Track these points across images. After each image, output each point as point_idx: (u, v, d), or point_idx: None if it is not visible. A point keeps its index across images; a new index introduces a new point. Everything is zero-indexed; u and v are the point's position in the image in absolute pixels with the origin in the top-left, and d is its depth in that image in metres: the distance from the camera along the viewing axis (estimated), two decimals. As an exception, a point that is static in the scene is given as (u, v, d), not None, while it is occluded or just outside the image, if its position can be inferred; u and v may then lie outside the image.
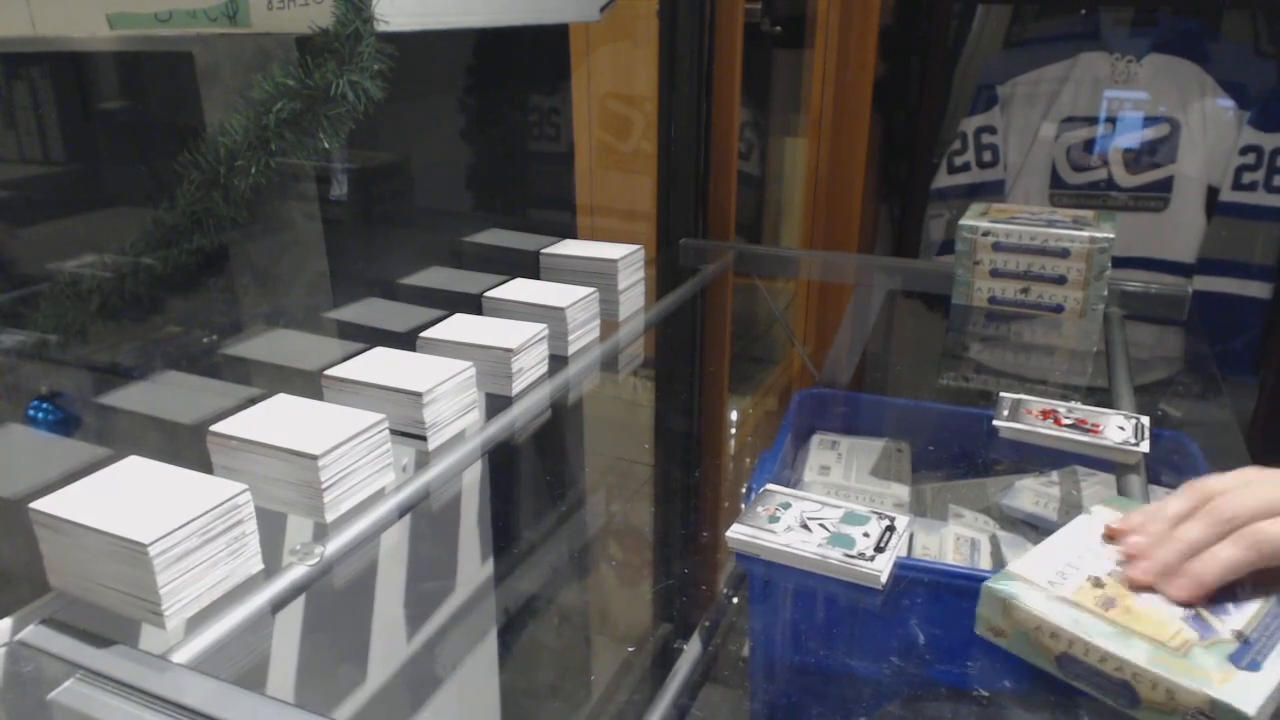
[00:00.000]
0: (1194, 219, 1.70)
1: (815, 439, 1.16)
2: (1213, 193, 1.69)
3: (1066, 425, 0.82)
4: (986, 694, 0.64)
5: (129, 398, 0.72)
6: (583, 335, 0.95)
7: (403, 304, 0.93)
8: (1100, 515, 0.62)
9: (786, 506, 0.72)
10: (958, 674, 0.69)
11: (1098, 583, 0.55)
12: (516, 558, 1.12)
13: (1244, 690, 0.46)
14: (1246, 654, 0.49)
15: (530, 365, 0.85)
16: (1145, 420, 0.83)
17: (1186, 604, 0.52)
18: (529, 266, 1.06)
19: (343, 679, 0.86)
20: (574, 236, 1.13)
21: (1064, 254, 1.06)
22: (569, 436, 1.20)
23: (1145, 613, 0.52)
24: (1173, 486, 0.97)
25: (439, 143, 1.00)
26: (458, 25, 0.83)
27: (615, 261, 1.02)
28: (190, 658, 0.53)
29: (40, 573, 0.56)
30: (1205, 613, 0.52)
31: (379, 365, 0.76)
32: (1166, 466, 0.99)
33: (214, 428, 0.65)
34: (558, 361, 0.91)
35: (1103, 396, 0.92)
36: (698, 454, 1.34)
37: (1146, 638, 0.50)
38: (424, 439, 0.73)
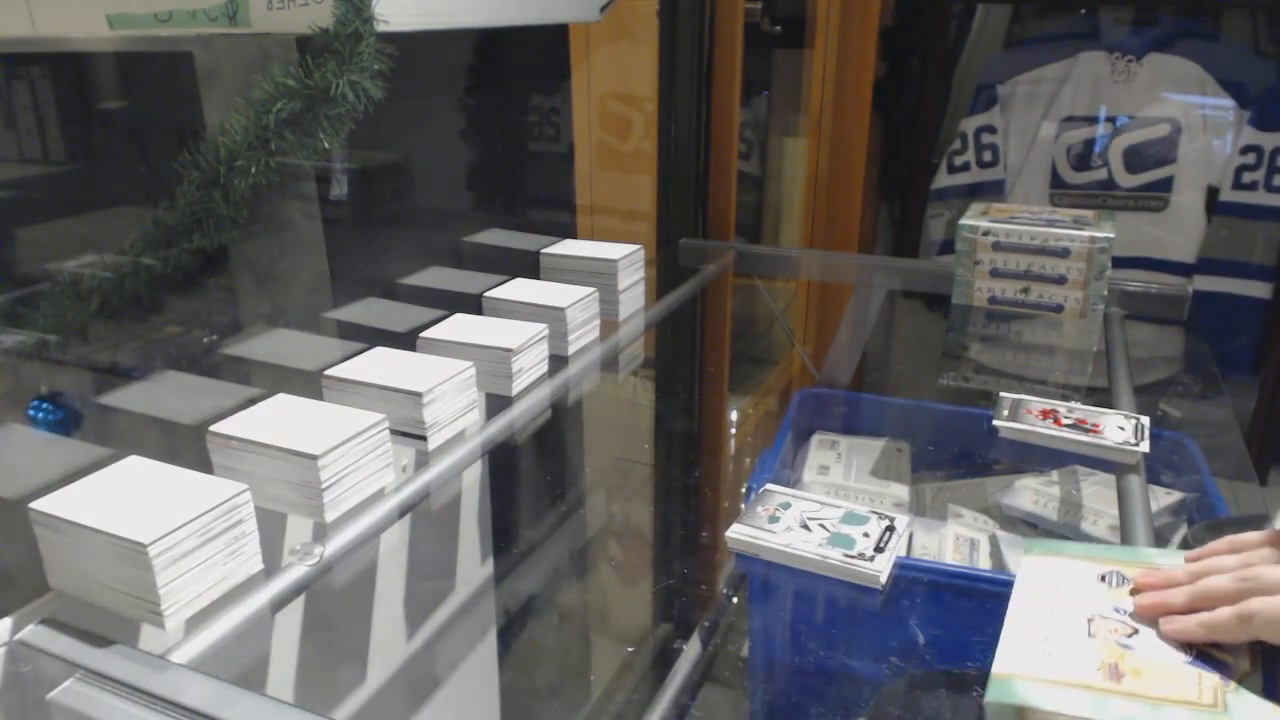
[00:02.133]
0: (1194, 219, 1.70)
1: (815, 439, 1.16)
2: (1213, 193, 1.69)
3: (1066, 425, 0.82)
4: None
5: (129, 398, 0.72)
6: (583, 335, 0.95)
7: (403, 304, 0.93)
8: (1033, 567, 0.59)
9: (786, 506, 0.72)
10: (956, 673, 0.69)
11: (1093, 652, 0.51)
12: (516, 557, 1.12)
13: None
14: (1276, 679, 0.47)
15: (530, 365, 0.85)
16: (1145, 420, 0.82)
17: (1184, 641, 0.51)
18: (529, 266, 1.06)
19: (343, 679, 0.86)
20: (574, 236, 1.13)
21: (1064, 254, 1.06)
22: (569, 436, 1.20)
23: (1156, 673, 0.49)
24: (1173, 486, 0.98)
25: (439, 143, 1.00)
26: (458, 25, 0.83)
27: (615, 261, 1.02)
28: (190, 658, 0.53)
29: (40, 573, 0.56)
30: (1207, 648, 0.50)
31: (379, 365, 0.76)
32: (1166, 466, 0.99)
33: (214, 428, 0.65)
34: (558, 361, 0.91)
35: (1103, 396, 0.92)
36: (698, 454, 1.34)
37: (1178, 702, 0.47)
38: (424, 439, 0.73)
